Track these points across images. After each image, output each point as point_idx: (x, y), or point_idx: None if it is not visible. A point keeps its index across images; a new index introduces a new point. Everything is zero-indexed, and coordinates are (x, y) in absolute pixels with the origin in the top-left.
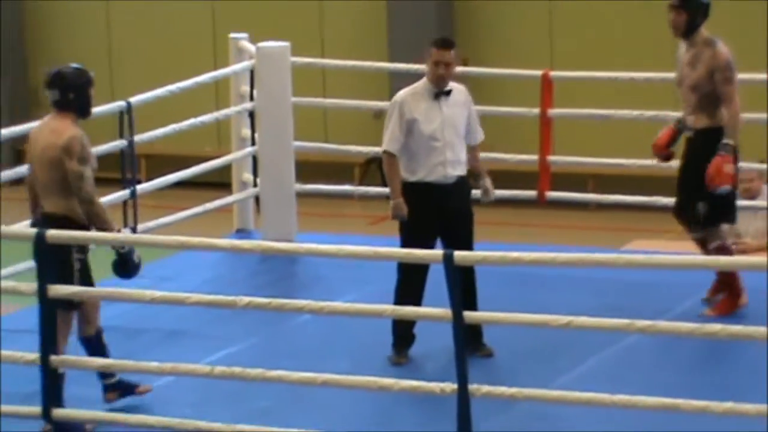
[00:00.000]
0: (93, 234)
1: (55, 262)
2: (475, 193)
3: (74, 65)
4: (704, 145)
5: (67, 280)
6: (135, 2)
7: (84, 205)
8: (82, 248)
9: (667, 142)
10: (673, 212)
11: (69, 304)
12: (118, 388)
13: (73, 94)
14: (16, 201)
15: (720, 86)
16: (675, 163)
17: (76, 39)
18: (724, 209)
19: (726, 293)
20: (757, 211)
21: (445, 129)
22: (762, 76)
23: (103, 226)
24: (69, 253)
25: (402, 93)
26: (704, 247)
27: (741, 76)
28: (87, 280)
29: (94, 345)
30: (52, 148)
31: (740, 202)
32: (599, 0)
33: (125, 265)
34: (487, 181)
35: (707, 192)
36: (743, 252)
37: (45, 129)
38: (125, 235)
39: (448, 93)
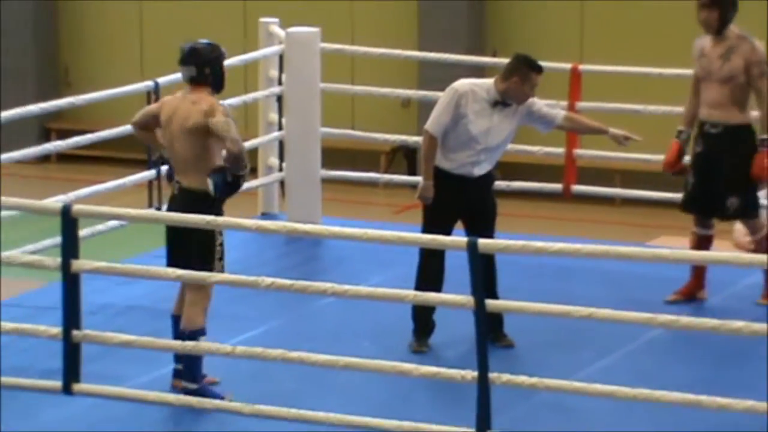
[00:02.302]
0: (121, 210)
1: (199, 243)
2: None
3: (206, 41)
4: (739, 141)
5: (208, 261)
6: None
7: (231, 145)
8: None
9: (676, 158)
10: (685, 204)
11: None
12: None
13: (208, 69)
14: (42, 178)
15: (755, 80)
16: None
17: (107, 18)
18: (752, 204)
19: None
20: None
21: (489, 135)
22: None
23: (241, 167)
24: (213, 234)
25: (465, 84)
26: (704, 243)
27: None
28: (222, 262)
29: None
30: (194, 115)
31: None
32: None
33: (229, 184)
34: (612, 131)
35: (740, 187)
36: None
37: (185, 102)
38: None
39: (507, 105)
